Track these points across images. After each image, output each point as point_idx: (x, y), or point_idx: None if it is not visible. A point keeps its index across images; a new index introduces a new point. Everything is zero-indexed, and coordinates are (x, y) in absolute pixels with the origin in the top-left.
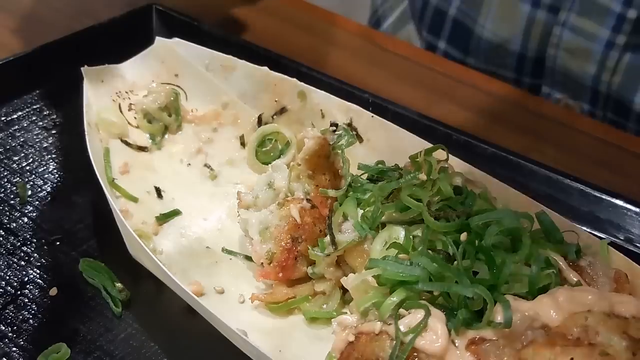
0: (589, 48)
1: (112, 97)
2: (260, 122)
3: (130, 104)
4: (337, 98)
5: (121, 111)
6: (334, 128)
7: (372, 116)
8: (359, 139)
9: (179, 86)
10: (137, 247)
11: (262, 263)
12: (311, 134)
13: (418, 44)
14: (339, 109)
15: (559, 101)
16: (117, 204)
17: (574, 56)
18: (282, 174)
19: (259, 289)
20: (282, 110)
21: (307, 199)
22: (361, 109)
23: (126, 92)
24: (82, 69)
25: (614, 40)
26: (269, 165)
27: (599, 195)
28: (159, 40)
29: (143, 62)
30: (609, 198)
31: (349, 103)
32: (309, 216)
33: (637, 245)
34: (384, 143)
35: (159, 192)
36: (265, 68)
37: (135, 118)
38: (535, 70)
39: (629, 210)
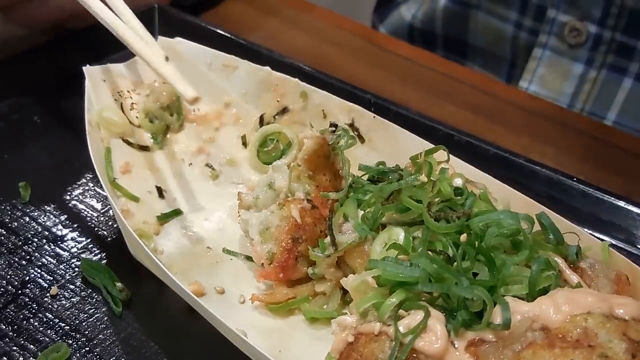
0: None
1: (114, 96)
2: (262, 122)
3: (132, 103)
4: (338, 98)
5: (123, 110)
6: (333, 128)
7: (374, 117)
8: (361, 139)
9: None
10: (138, 247)
11: (262, 263)
12: (310, 133)
13: None
14: (341, 109)
15: (564, 26)
16: (118, 204)
17: None
18: (283, 175)
19: (259, 289)
20: (284, 111)
21: (307, 200)
22: (363, 109)
23: (128, 92)
24: (83, 68)
25: None
26: (271, 165)
27: (600, 196)
28: (161, 39)
29: None
30: (610, 199)
31: (351, 103)
32: (309, 217)
33: (639, 247)
34: (386, 143)
35: (160, 191)
36: (267, 68)
37: (137, 117)
38: None
39: (630, 211)
